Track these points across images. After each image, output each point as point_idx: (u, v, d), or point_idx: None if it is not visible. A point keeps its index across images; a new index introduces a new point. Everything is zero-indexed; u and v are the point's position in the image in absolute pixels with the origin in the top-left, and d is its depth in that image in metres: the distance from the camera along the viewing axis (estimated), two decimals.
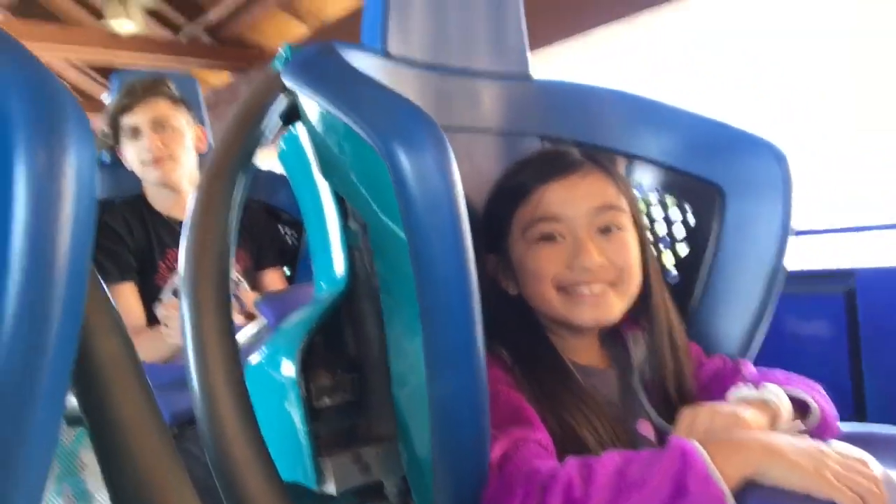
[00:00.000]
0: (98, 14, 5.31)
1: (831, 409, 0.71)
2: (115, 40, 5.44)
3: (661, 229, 0.92)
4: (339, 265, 0.72)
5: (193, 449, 0.91)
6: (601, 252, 0.73)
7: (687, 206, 0.90)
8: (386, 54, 0.82)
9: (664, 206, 0.91)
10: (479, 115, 0.92)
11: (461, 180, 0.57)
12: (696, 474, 0.51)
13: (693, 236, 0.89)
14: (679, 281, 0.90)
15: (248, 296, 1.47)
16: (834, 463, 0.52)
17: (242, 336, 1.06)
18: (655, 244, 0.91)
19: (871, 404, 1.68)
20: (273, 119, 0.75)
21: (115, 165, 1.55)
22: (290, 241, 1.66)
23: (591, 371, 0.75)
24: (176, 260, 1.46)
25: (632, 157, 0.92)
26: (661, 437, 0.73)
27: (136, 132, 1.47)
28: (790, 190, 0.83)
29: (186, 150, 1.51)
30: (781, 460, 0.52)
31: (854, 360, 1.73)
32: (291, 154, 0.77)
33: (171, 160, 1.46)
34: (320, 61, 0.71)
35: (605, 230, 0.74)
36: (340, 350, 0.70)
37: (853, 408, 1.66)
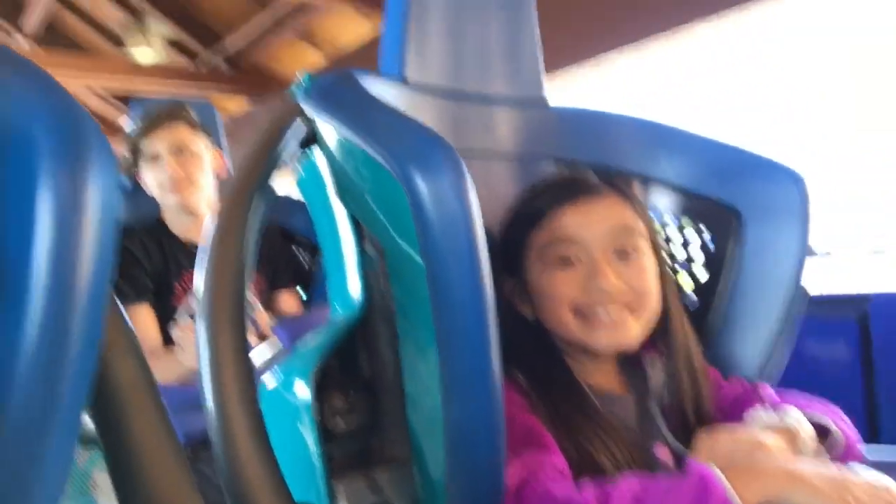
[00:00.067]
0: (119, 43, 5.42)
1: (853, 433, 0.70)
2: (136, 69, 5.55)
3: (679, 253, 0.92)
4: (355, 288, 0.72)
5: (207, 471, 0.91)
6: (618, 275, 0.72)
7: (704, 230, 0.89)
8: (403, 81, 0.83)
9: (681, 230, 0.91)
10: (495, 140, 0.93)
11: (478, 204, 0.57)
12: (716, 500, 0.50)
13: (710, 260, 0.88)
14: (697, 305, 0.89)
15: (263, 317, 1.47)
16: (858, 489, 0.51)
17: (257, 357, 1.06)
18: (672, 267, 0.91)
19: (884, 428, 1.66)
20: (291, 145, 0.76)
21: (135, 190, 1.58)
22: (304, 264, 1.66)
23: (608, 396, 0.75)
24: (192, 281, 1.47)
25: (648, 181, 0.92)
26: (679, 461, 0.72)
27: (155, 157, 1.49)
28: (808, 213, 0.82)
29: (205, 174, 1.52)
30: (803, 486, 0.51)
31: (867, 385, 1.71)
32: (309, 179, 0.78)
33: (190, 185, 1.48)
34: (338, 88, 0.72)
35: (622, 253, 0.74)
36: (355, 373, 0.70)
37: (867, 432, 1.63)
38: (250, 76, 6.21)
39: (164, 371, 1.30)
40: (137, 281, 1.43)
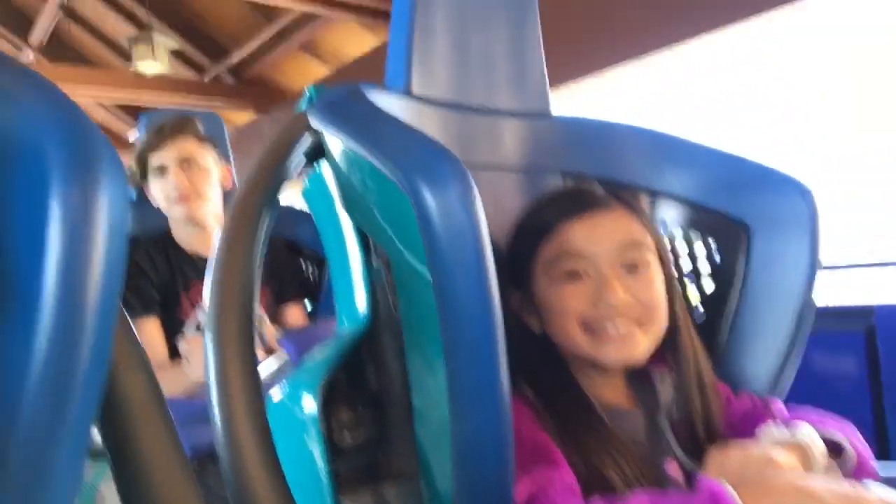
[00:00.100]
0: (126, 56, 5.46)
1: (866, 450, 0.69)
2: (142, 81, 5.59)
3: (686, 266, 0.91)
4: (362, 301, 0.72)
5: (213, 485, 0.91)
6: (626, 290, 0.71)
7: (712, 243, 0.89)
8: (409, 94, 0.83)
9: (689, 244, 0.90)
10: (501, 153, 0.93)
11: (484, 217, 0.57)
12: None
13: (719, 273, 0.88)
14: (705, 319, 0.88)
15: (270, 331, 1.47)
16: None
17: (264, 371, 1.06)
18: (680, 281, 0.90)
19: (893, 442, 1.64)
20: (298, 157, 0.76)
21: (142, 202, 1.58)
22: (311, 277, 1.66)
23: (617, 411, 0.74)
24: (199, 294, 1.47)
25: (655, 194, 0.92)
26: (690, 478, 0.71)
27: (163, 170, 1.49)
28: (817, 226, 0.82)
29: (212, 187, 1.53)
30: (815, 503, 0.51)
31: (875, 398, 1.70)
32: (315, 192, 0.78)
33: (198, 197, 1.48)
34: (345, 101, 0.72)
35: (631, 267, 0.74)
36: (362, 386, 0.70)
37: (875, 446, 1.61)
38: (255, 88, 6.26)
39: (171, 384, 1.30)
40: (144, 293, 1.43)
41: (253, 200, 0.70)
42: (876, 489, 0.53)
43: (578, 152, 0.95)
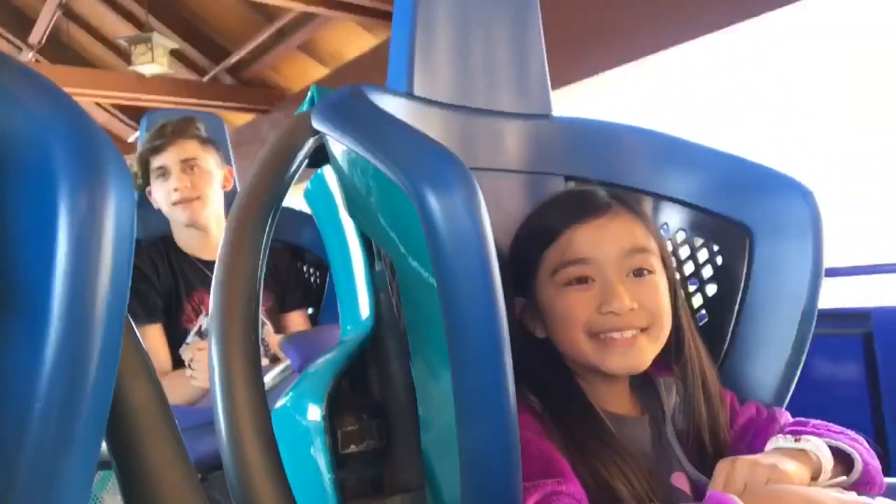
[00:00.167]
0: (125, 56, 5.46)
1: (875, 463, 0.68)
2: (142, 83, 5.59)
3: (689, 271, 0.91)
4: (365, 307, 0.71)
5: (217, 496, 0.90)
6: (632, 296, 0.71)
7: (714, 247, 0.88)
8: (411, 95, 0.82)
9: (691, 247, 0.90)
10: (503, 156, 0.92)
11: (489, 221, 0.56)
12: None
13: (722, 278, 0.87)
14: (709, 325, 0.88)
15: (273, 338, 1.47)
16: None
17: (267, 378, 1.05)
18: (683, 285, 0.90)
19: (892, 445, 1.62)
20: (300, 159, 0.75)
21: (142, 205, 1.58)
22: (313, 282, 1.66)
23: (622, 419, 0.73)
24: (202, 302, 1.47)
25: (658, 197, 0.92)
26: (697, 489, 0.71)
27: (165, 173, 1.49)
28: (820, 229, 0.81)
29: (215, 190, 1.52)
30: None
31: (875, 404, 1.68)
32: (318, 195, 0.77)
33: (200, 201, 1.48)
34: (348, 103, 0.71)
35: (636, 273, 0.73)
36: (366, 394, 0.69)
37: (874, 451, 1.60)
38: (255, 89, 6.25)
39: (174, 392, 1.30)
40: (147, 299, 1.42)
41: (256, 204, 0.69)
42: (883, 503, 0.53)
43: (581, 154, 0.95)
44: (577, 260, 0.72)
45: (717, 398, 0.77)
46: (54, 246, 0.30)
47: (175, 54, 5.40)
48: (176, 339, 1.44)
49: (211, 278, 0.68)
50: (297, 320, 1.58)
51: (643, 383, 0.78)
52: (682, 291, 0.82)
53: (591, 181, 0.91)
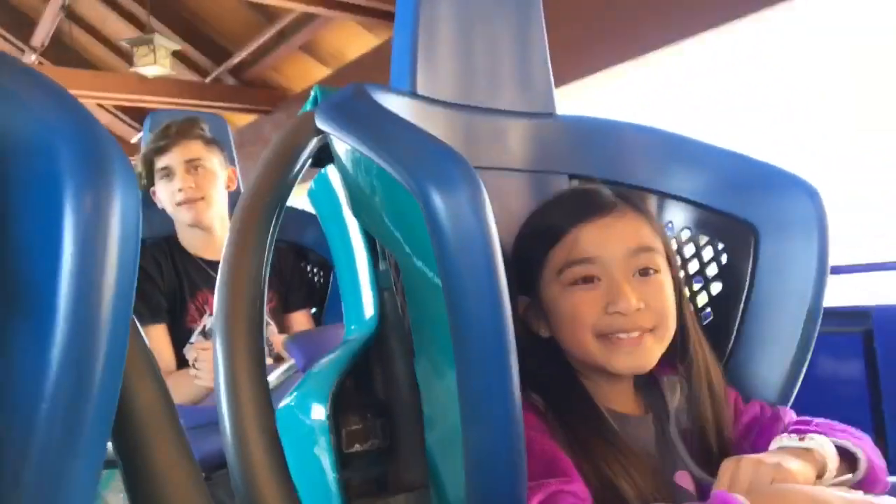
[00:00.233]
0: (127, 58, 5.46)
1: (880, 462, 0.68)
2: (144, 84, 5.60)
3: (694, 269, 0.90)
4: (369, 306, 0.71)
5: (222, 495, 0.90)
6: (639, 296, 0.70)
7: (720, 246, 0.88)
8: (414, 94, 0.82)
9: (696, 246, 0.89)
10: (506, 154, 0.92)
11: (494, 220, 0.56)
12: None
13: (727, 276, 0.87)
14: (714, 324, 0.87)
15: (277, 338, 1.47)
16: None
17: (271, 378, 1.05)
18: (688, 284, 0.90)
19: (892, 445, 1.62)
20: (304, 159, 0.75)
21: (147, 205, 1.58)
22: (317, 282, 1.66)
23: (627, 419, 0.73)
24: (206, 302, 1.47)
25: (662, 195, 0.91)
26: (701, 489, 0.71)
27: (169, 173, 1.49)
28: (826, 227, 0.81)
29: (219, 191, 1.52)
30: None
31: (875, 403, 1.68)
32: (322, 194, 0.77)
33: (204, 201, 1.48)
34: (351, 102, 0.71)
35: (643, 272, 0.73)
36: (371, 393, 0.69)
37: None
38: (257, 90, 6.26)
39: (178, 392, 1.30)
40: (152, 299, 1.43)
41: (260, 204, 0.69)
42: (887, 502, 0.52)
43: (585, 153, 0.95)
44: (583, 259, 0.72)
45: (722, 397, 0.76)
46: (60, 247, 0.30)
47: (177, 55, 5.41)
48: (180, 339, 1.45)
49: (215, 278, 0.68)
50: (300, 320, 1.58)
51: (647, 382, 0.78)
52: (685, 290, 0.82)
53: (595, 180, 0.91)
